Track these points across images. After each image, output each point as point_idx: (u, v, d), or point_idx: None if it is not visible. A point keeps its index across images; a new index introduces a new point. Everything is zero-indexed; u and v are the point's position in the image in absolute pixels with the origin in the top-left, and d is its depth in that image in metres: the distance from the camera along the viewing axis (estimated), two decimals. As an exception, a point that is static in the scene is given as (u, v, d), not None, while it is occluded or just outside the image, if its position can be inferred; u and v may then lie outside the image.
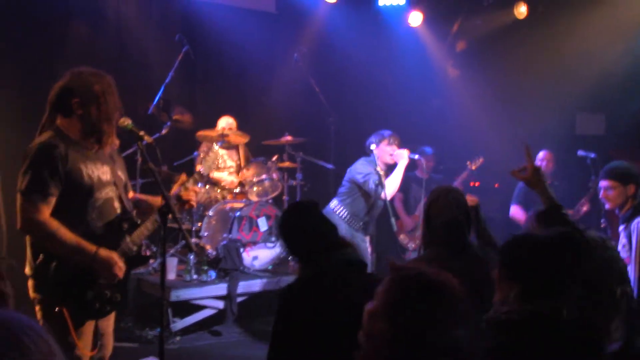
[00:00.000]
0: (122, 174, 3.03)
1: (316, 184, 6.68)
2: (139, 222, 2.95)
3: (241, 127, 6.52)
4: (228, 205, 6.13)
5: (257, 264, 5.96)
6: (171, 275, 5.56)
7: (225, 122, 6.41)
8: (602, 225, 3.46)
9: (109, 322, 3.01)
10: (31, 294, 2.76)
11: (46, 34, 6.10)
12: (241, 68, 7.58)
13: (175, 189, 3.10)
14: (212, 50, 7.35)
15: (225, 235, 5.88)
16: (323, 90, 6.84)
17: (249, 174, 6.28)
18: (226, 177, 6.48)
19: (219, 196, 6.34)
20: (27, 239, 2.79)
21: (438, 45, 8.36)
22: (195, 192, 3.07)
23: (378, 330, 1.52)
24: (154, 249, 5.71)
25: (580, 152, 5.51)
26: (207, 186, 6.28)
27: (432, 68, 8.37)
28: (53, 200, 2.69)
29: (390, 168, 5.33)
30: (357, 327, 1.57)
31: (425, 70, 8.22)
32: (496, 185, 7.67)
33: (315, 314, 2.28)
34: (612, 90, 7.06)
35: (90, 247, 2.70)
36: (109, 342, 3.03)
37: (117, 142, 2.96)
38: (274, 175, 6.26)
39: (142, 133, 2.80)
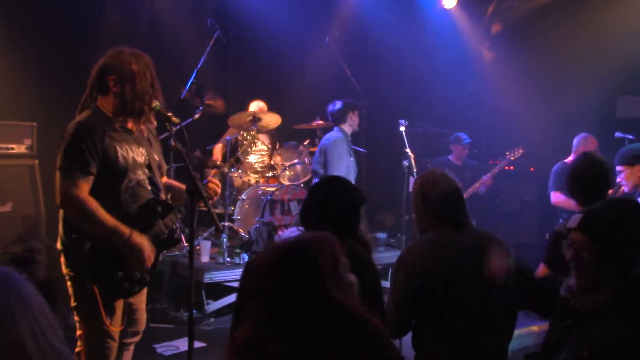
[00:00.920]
0: (158, 157, 3.05)
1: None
2: (173, 206, 2.98)
3: (273, 111, 6.54)
4: (260, 189, 6.17)
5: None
6: (205, 258, 5.64)
7: (257, 106, 6.44)
8: None
9: (141, 298, 3.05)
10: (63, 269, 2.82)
11: (80, 19, 6.19)
12: (273, 52, 7.59)
13: (210, 177, 3.13)
14: (244, 34, 7.37)
15: (257, 218, 5.93)
16: (355, 74, 6.80)
17: (280, 158, 6.30)
18: (258, 160, 6.52)
19: (252, 180, 6.39)
20: (60, 214, 2.82)
21: (473, 27, 8.21)
22: (217, 184, 3.09)
23: None
24: (187, 231, 5.79)
25: (618, 134, 5.37)
26: (240, 170, 6.34)
27: (467, 51, 8.22)
28: (91, 179, 2.71)
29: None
30: None
31: (460, 54, 8.07)
32: (532, 170, 7.52)
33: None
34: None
35: (125, 230, 2.73)
36: (142, 317, 3.08)
37: (154, 122, 2.99)
38: (306, 160, 6.28)
39: (169, 114, 2.81)
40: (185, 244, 5.73)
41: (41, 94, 5.66)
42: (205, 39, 6.41)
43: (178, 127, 2.84)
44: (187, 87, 6.08)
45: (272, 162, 6.50)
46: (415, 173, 5.05)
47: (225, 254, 5.61)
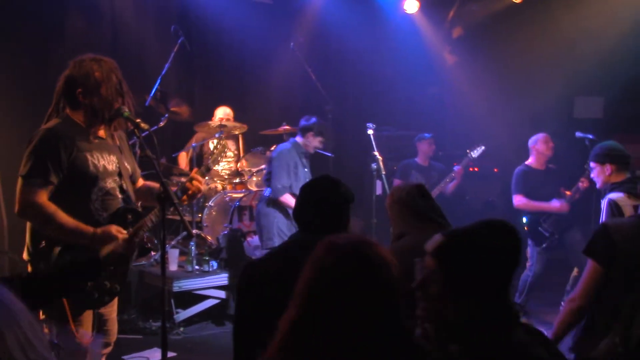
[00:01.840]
0: (128, 165, 3.03)
1: (315, 173, 6.68)
2: (143, 213, 2.96)
3: (239, 117, 6.51)
4: (228, 196, 6.14)
5: (259, 253, 5.97)
6: (173, 267, 5.57)
7: (223, 113, 6.40)
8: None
9: (112, 309, 3.02)
10: None
11: (41, 27, 6.07)
12: (238, 59, 7.57)
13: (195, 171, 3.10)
14: (209, 41, 7.33)
15: (226, 225, 5.89)
16: (320, 79, 6.84)
17: (247, 163, 6.28)
18: (225, 167, 6.49)
19: (219, 187, 6.35)
20: (28, 226, 2.79)
21: (435, 32, 8.33)
22: (201, 181, 3.05)
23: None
24: (156, 241, 5.71)
25: (579, 134, 5.51)
26: (207, 177, 6.29)
27: (429, 55, 8.35)
28: (51, 189, 2.70)
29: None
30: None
31: (423, 58, 8.19)
32: (495, 170, 7.67)
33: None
34: (610, 73, 7.04)
35: (88, 229, 2.70)
36: (113, 328, 3.04)
37: (129, 126, 2.93)
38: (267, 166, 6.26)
39: (138, 120, 2.79)
40: (153, 253, 5.66)
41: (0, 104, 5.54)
42: (169, 45, 6.36)
43: (147, 133, 2.81)
44: (151, 95, 6.02)
45: (238, 169, 6.47)
46: (383, 176, 5.09)
47: (194, 262, 5.55)
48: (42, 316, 2.76)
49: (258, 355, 1.63)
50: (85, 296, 2.74)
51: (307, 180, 5.75)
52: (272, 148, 6.35)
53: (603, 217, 3.67)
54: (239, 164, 6.47)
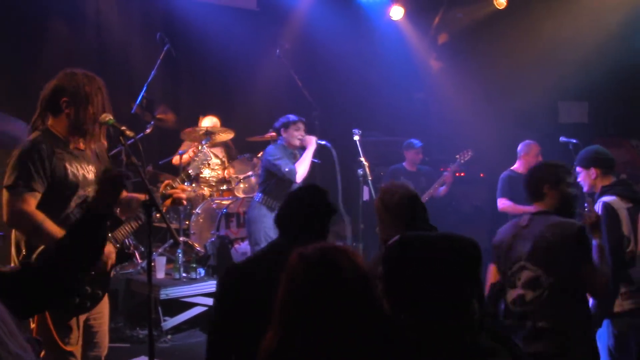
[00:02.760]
0: None
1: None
2: (122, 219, 2.97)
3: (225, 124, 6.50)
4: (215, 203, 6.12)
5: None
6: (160, 274, 5.55)
7: (210, 122, 6.41)
8: (586, 208, 3.59)
9: (102, 320, 3.00)
10: None
11: (24, 32, 6.04)
12: (224, 65, 7.57)
13: (161, 189, 3.11)
14: (194, 48, 7.33)
15: (213, 232, 5.88)
16: (306, 85, 6.84)
17: (234, 170, 6.27)
18: (212, 174, 6.48)
19: (206, 194, 6.33)
20: (12, 237, 2.78)
21: (420, 38, 8.39)
22: (184, 189, 3.07)
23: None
24: (142, 249, 5.69)
25: (563, 139, 5.57)
26: (194, 184, 6.28)
27: (415, 61, 8.40)
28: (39, 196, 2.71)
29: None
30: None
31: (408, 64, 8.24)
32: (481, 175, 7.72)
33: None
34: (595, 78, 7.11)
35: None
36: (104, 341, 3.01)
37: (104, 143, 2.99)
38: (260, 172, 6.26)
39: (123, 128, 2.80)
40: (140, 261, 5.63)
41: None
42: (155, 53, 6.35)
43: (132, 140, 2.81)
44: (137, 102, 6.00)
45: (225, 175, 6.46)
46: (370, 182, 5.11)
47: (181, 270, 5.53)
48: (32, 325, 2.75)
49: None
50: (66, 300, 2.73)
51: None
52: (259, 155, 6.36)
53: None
54: (226, 171, 6.46)
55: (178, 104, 7.28)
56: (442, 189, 6.39)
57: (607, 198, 3.67)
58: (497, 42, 7.70)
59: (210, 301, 5.51)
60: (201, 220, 6.03)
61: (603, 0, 6.85)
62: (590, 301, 3.10)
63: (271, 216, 5.13)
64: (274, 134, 6.40)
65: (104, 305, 2.99)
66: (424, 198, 6.03)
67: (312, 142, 5.23)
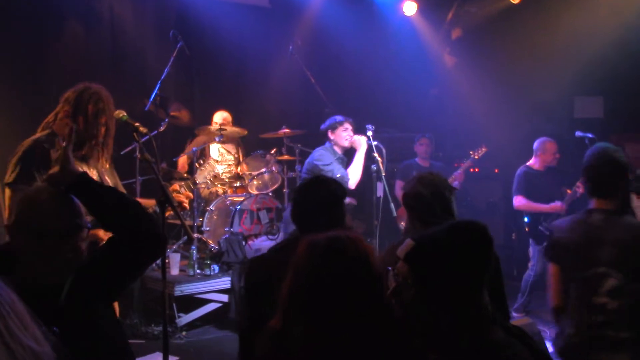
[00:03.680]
0: (109, 179, 3.10)
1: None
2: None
3: (239, 121, 6.52)
4: (228, 200, 6.14)
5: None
6: (174, 271, 5.57)
7: (220, 117, 6.42)
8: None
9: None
10: None
11: (40, 33, 6.08)
12: (237, 62, 7.58)
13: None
14: (207, 45, 7.34)
15: (227, 229, 5.89)
16: (319, 82, 6.84)
17: (247, 167, 6.29)
18: (225, 170, 6.49)
19: (219, 190, 6.35)
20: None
21: (433, 33, 8.34)
22: (188, 196, 3.11)
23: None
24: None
25: (578, 133, 5.50)
26: (208, 180, 6.28)
27: (429, 57, 8.35)
28: None
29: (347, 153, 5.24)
30: None
31: (422, 59, 8.19)
32: (496, 171, 7.67)
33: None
34: (610, 72, 7.02)
35: None
36: None
37: (106, 165, 3.07)
38: (273, 168, 6.27)
39: (137, 124, 2.82)
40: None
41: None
42: (168, 50, 6.36)
43: (146, 137, 2.83)
44: (151, 99, 6.01)
45: (239, 172, 6.47)
46: (383, 177, 5.08)
47: (196, 266, 5.55)
48: None
49: None
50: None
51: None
52: (272, 152, 6.35)
53: None
54: (239, 168, 6.48)
55: (192, 101, 7.30)
56: (456, 185, 6.36)
57: None
58: (511, 36, 7.62)
59: (224, 297, 5.53)
60: (215, 217, 6.05)
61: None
62: None
63: None
64: (287, 130, 6.41)
65: None
66: None
67: (363, 143, 5.09)
